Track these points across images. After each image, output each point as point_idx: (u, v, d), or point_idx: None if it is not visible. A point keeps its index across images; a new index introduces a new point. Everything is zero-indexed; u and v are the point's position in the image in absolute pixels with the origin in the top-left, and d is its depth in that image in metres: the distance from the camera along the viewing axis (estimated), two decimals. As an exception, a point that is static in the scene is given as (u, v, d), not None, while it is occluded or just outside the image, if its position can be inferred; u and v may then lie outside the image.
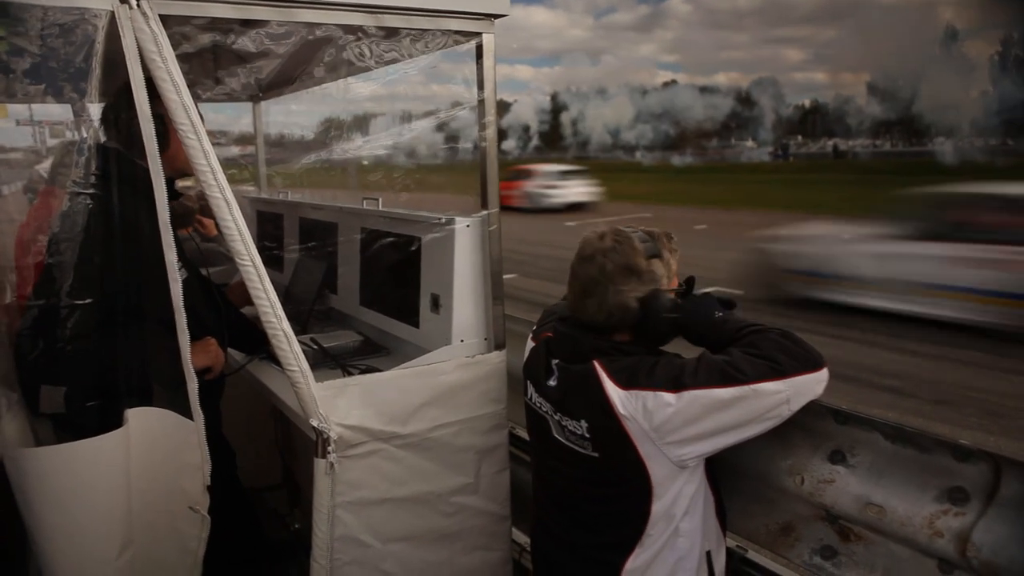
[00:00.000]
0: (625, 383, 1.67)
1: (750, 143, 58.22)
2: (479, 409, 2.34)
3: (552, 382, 1.83)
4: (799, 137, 61.57)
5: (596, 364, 1.72)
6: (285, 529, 3.86)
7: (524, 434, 2.67)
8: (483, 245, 2.37)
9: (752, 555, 2.18)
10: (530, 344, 2.04)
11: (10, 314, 2.14)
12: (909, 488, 1.70)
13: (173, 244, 1.93)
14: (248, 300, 2.06)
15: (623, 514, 1.76)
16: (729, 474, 2.02)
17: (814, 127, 66.05)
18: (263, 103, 4.14)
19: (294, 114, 4.14)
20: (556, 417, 1.82)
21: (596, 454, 1.73)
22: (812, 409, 1.77)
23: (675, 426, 1.64)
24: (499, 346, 2.39)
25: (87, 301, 1.92)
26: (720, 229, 18.40)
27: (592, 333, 1.79)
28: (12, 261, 2.28)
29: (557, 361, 1.83)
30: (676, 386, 1.63)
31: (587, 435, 1.73)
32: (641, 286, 1.75)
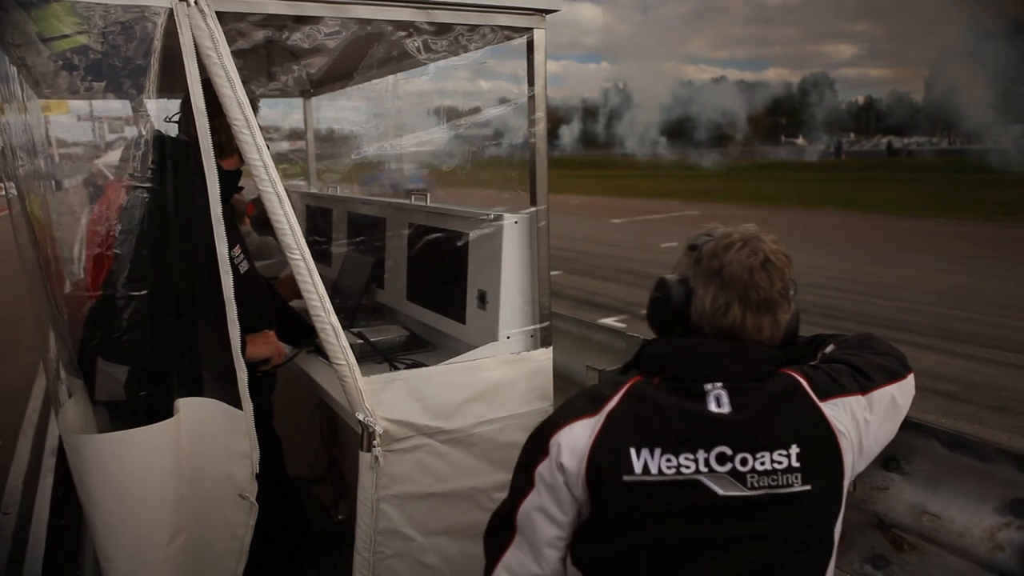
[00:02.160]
0: (821, 393, 1.41)
1: (800, 140, 57.15)
2: (524, 406, 2.33)
3: (723, 409, 1.35)
4: (851, 135, 60.20)
5: (796, 375, 1.42)
6: (329, 520, 3.91)
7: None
8: (531, 242, 2.35)
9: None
10: (614, 402, 1.41)
11: (72, 304, 2.21)
12: (968, 498, 1.65)
13: (225, 237, 1.96)
14: (296, 294, 2.09)
15: (820, 560, 1.43)
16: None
17: (868, 124, 64.57)
18: (313, 99, 4.19)
19: (343, 110, 4.19)
20: (730, 465, 1.33)
21: (808, 487, 1.34)
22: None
23: (872, 435, 1.45)
24: (546, 343, 2.38)
25: (143, 292, 1.97)
26: (770, 228, 18.05)
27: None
28: (74, 252, 2.35)
29: (720, 384, 1.37)
30: (863, 387, 1.45)
31: (796, 463, 1.34)
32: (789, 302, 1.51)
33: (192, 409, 2.01)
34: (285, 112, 4.50)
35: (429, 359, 2.51)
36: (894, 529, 1.75)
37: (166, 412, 1.96)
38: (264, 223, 4.14)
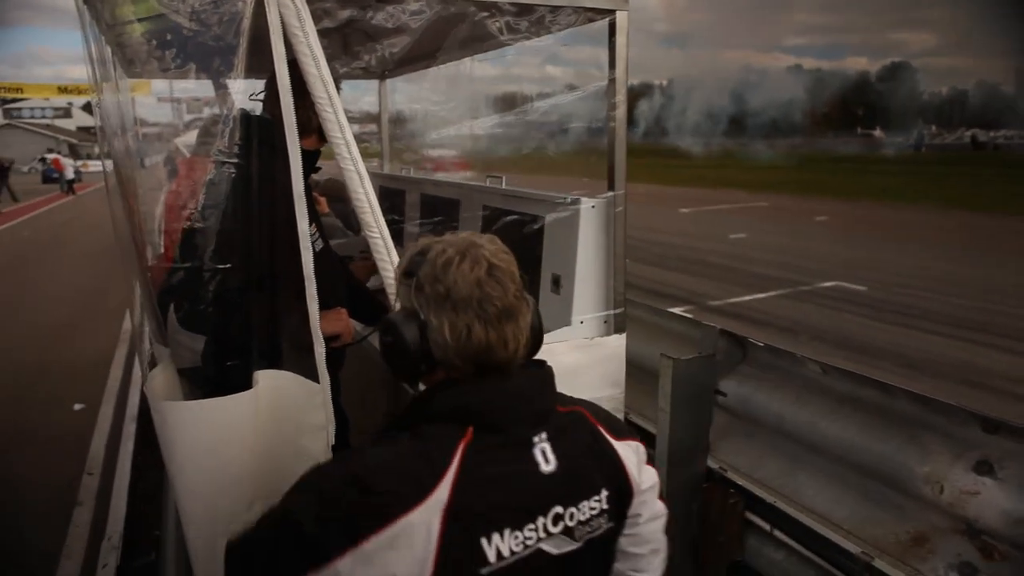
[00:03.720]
0: (615, 433, 1.36)
1: (878, 132, 55.18)
2: (597, 392, 2.30)
3: (551, 466, 1.23)
4: (933, 126, 57.84)
5: (580, 409, 1.37)
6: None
7: (640, 421, 2.64)
8: (608, 227, 2.33)
9: (879, 563, 2.07)
10: (449, 482, 1.16)
11: (156, 275, 2.29)
12: (1068, 507, 1.57)
13: (306, 214, 1.99)
14: (367, 275, 2.11)
15: None
16: (852, 473, 1.92)
17: (951, 116, 61.91)
18: (388, 81, 4.23)
19: (417, 92, 4.22)
20: (563, 524, 1.25)
21: (612, 524, 1.33)
22: (955, 415, 1.66)
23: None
24: (620, 329, 2.35)
25: (227, 265, 2.02)
26: (842, 222, 17.58)
27: None
28: (158, 226, 2.43)
29: (545, 436, 1.25)
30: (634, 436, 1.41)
31: (607, 505, 1.30)
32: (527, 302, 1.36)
33: (270, 381, 2.05)
34: (352, 96, 4.55)
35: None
36: (984, 536, 1.68)
37: (245, 383, 2.00)
38: (340, 202, 4.22)
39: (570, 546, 1.24)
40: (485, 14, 2.19)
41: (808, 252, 13.35)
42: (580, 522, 1.25)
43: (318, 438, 2.13)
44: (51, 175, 32.52)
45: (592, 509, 1.27)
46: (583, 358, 2.29)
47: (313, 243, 2.32)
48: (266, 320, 2.08)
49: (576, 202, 2.34)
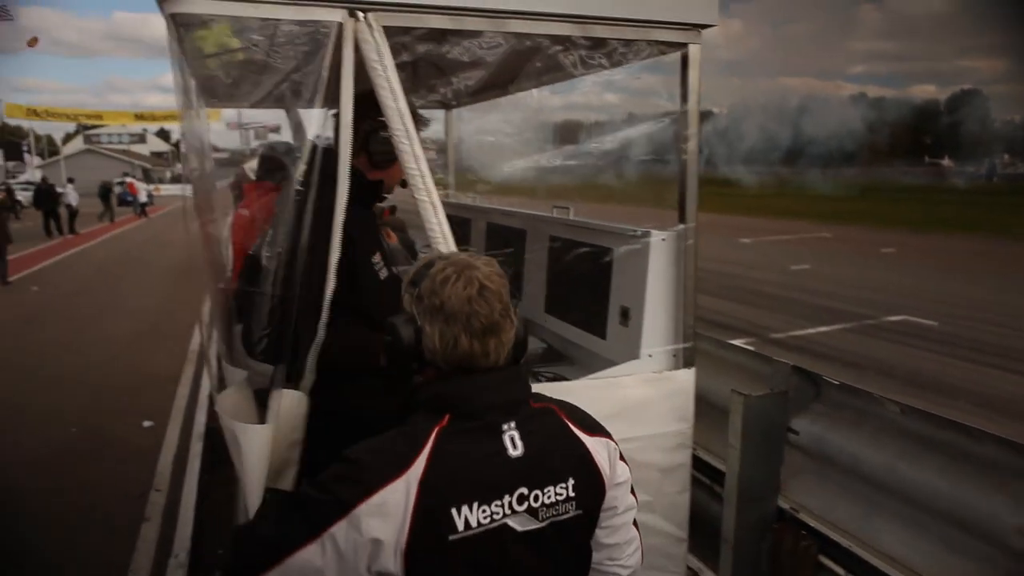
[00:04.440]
0: (585, 429, 1.48)
1: (946, 161, 53.62)
2: (664, 426, 2.28)
3: (519, 451, 1.39)
4: (1005, 155, 55.90)
5: (551, 406, 1.49)
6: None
7: (708, 457, 2.60)
8: (678, 260, 2.31)
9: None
10: (423, 459, 1.33)
11: (226, 297, 2.35)
12: None
13: (339, 245, 2.01)
14: None
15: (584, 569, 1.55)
16: (933, 519, 1.85)
17: (1024, 145, 59.74)
18: (455, 110, 4.30)
19: (483, 122, 4.27)
20: (527, 503, 1.38)
21: (580, 511, 1.44)
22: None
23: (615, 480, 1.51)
24: (689, 363, 2.33)
25: (290, 293, 2.06)
26: (910, 254, 17.09)
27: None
28: (224, 249, 2.50)
29: (513, 424, 1.40)
30: (607, 434, 1.52)
31: (572, 493, 1.43)
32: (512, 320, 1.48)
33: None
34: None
35: (567, 372, 2.50)
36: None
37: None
38: (397, 231, 4.29)
39: (533, 525, 1.39)
40: (559, 48, 2.22)
41: (874, 284, 13.00)
42: (545, 504, 1.40)
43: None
44: (126, 198, 33.84)
45: (558, 495, 1.41)
46: (652, 392, 2.27)
47: (378, 271, 2.36)
48: (327, 346, 2.11)
49: (647, 235, 2.34)
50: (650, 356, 2.33)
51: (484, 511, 1.34)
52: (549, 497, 1.40)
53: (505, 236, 3.40)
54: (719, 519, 2.46)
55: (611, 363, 2.38)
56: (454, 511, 1.32)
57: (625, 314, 2.42)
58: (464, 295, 1.40)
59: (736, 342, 3.19)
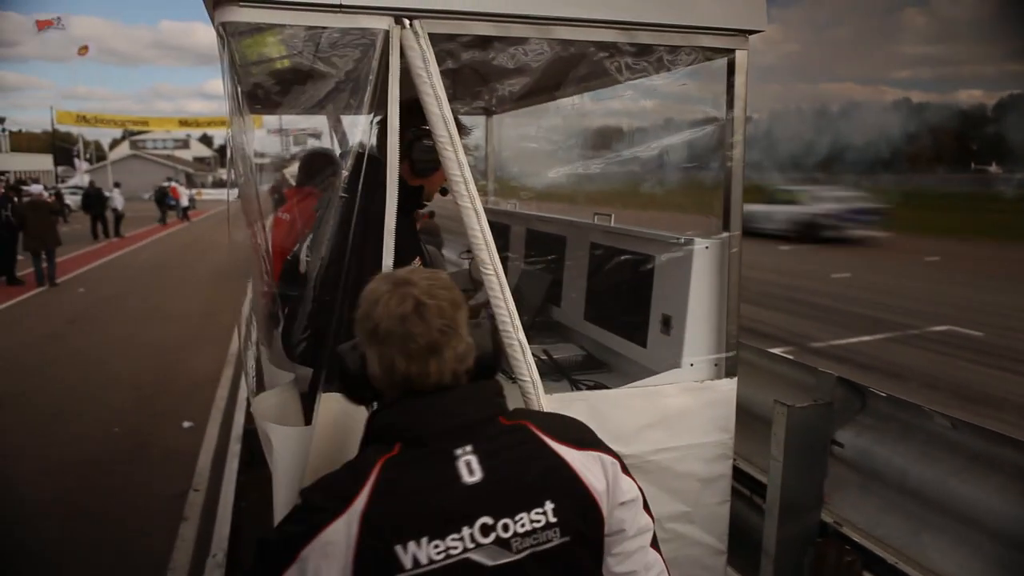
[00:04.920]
0: (573, 443, 1.35)
1: (994, 167, 52.35)
2: (704, 436, 2.25)
3: (476, 477, 1.26)
4: (1057, 163, 54.31)
5: (526, 423, 1.35)
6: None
7: (749, 469, 2.56)
8: (721, 268, 2.28)
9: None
10: (365, 495, 1.23)
11: (270, 300, 2.37)
12: None
13: (392, 249, 2.02)
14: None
15: None
16: (986, 539, 1.79)
17: (1078, 153, 58.04)
18: (495, 117, 4.30)
19: (523, 128, 4.28)
20: (494, 534, 1.24)
21: (567, 538, 1.29)
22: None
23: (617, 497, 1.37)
24: (731, 373, 2.29)
25: (329, 298, 2.08)
26: (955, 262, 16.71)
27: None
28: (266, 251, 2.53)
29: (470, 448, 1.28)
30: (604, 447, 1.41)
31: (554, 519, 1.28)
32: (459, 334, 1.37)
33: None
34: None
35: (607, 380, 2.48)
36: None
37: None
38: (428, 235, 4.29)
39: (507, 558, 1.23)
40: (604, 54, 2.21)
41: (918, 294, 12.73)
42: (518, 534, 1.24)
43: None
44: (169, 202, 34.53)
45: (534, 521, 1.26)
46: (693, 401, 2.24)
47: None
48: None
49: (690, 242, 2.31)
50: (691, 365, 2.31)
51: (437, 546, 1.20)
52: (523, 525, 1.25)
53: (545, 243, 3.39)
54: (759, 531, 2.41)
55: (651, 372, 2.35)
56: (399, 548, 1.19)
57: (667, 322, 2.40)
58: (397, 313, 1.29)
59: (775, 351, 3.14)
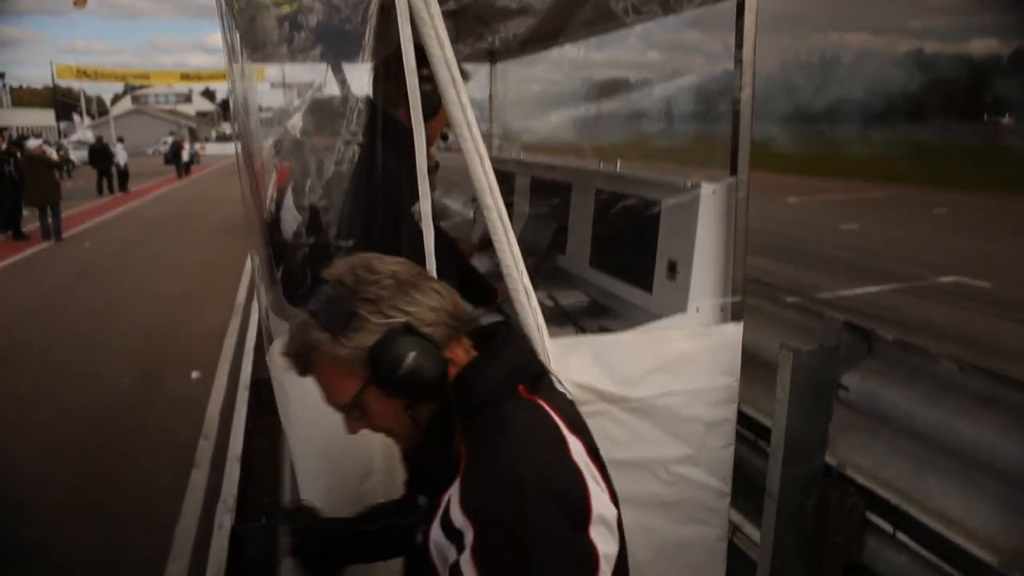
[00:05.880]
0: None
1: (1007, 119, 51.55)
2: (710, 381, 2.25)
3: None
4: (1073, 114, 53.30)
5: None
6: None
7: (753, 413, 2.57)
8: (728, 213, 2.26)
9: (1020, 577, 1.93)
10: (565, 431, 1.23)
11: (269, 250, 2.36)
12: None
13: (429, 193, 2.02)
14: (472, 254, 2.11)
15: None
16: (990, 480, 1.79)
17: (1096, 103, 56.96)
18: (499, 65, 4.23)
19: (527, 77, 4.21)
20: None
21: None
22: None
23: None
24: (737, 318, 2.29)
25: (350, 243, 2.07)
26: (965, 214, 16.55)
27: None
28: (269, 205, 2.51)
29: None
30: None
31: None
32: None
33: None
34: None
35: (612, 327, 2.48)
36: None
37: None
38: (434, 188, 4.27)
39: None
40: (610, -7, 2.15)
41: (926, 245, 12.65)
42: None
43: (431, 414, 2.17)
44: (173, 157, 34.40)
45: None
46: (699, 346, 2.23)
47: (419, 222, 2.36)
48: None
49: (696, 187, 2.28)
50: (697, 310, 2.30)
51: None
52: None
53: (550, 190, 3.36)
54: (763, 475, 2.42)
55: (656, 317, 2.34)
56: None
57: (672, 267, 2.38)
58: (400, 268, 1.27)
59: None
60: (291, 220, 2.36)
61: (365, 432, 2.08)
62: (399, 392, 1.19)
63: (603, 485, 1.21)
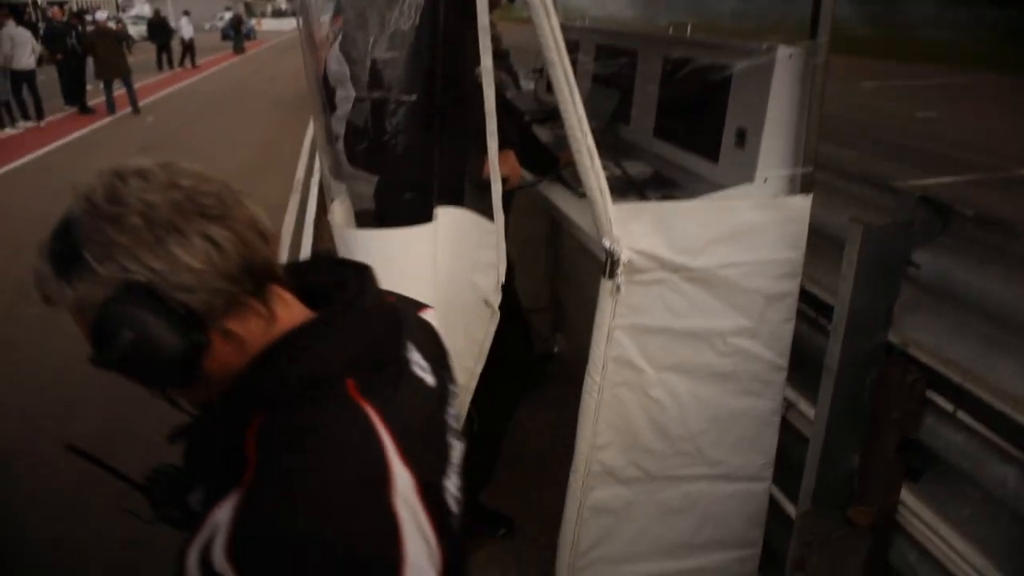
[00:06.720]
0: None
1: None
2: (774, 253, 2.20)
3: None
4: None
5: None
6: (546, 350, 4.08)
7: (817, 291, 2.51)
8: (804, 79, 2.14)
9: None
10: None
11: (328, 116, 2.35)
12: None
13: (490, 48, 1.95)
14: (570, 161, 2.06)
15: None
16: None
17: None
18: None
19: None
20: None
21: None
22: None
23: None
24: (806, 189, 2.21)
25: (412, 98, 2.03)
26: None
27: None
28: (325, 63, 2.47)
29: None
30: None
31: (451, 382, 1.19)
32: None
33: (448, 217, 2.10)
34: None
35: (677, 196, 2.42)
36: None
37: (425, 216, 2.06)
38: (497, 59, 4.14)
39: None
40: None
41: (1009, 134, 11.94)
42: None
43: (489, 275, 2.19)
44: (228, 32, 34.08)
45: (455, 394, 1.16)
46: (764, 217, 2.17)
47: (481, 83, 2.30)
48: (448, 156, 2.10)
49: (772, 49, 2.15)
50: (765, 181, 2.22)
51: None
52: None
53: (615, 56, 3.22)
54: (822, 352, 2.39)
55: (721, 187, 2.28)
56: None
57: (741, 135, 2.29)
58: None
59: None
60: (335, 64, 2.31)
61: (426, 286, 2.12)
62: (124, 372, 0.85)
63: (433, 536, 0.85)
